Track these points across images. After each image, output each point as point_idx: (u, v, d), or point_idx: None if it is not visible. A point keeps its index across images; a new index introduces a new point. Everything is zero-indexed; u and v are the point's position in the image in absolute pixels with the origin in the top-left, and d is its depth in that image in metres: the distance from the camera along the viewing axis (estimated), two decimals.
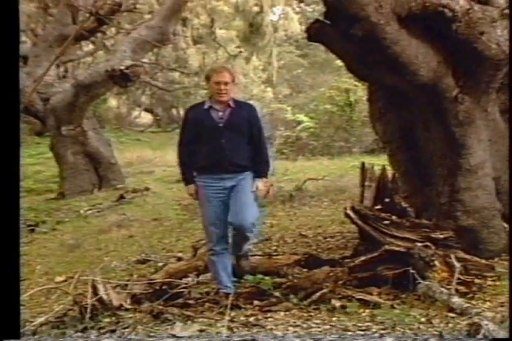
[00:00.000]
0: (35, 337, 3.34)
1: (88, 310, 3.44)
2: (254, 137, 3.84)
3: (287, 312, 3.54)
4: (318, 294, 3.65)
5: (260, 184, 3.84)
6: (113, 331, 3.32)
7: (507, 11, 4.34)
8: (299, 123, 14.91)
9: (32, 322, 3.55)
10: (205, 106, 3.85)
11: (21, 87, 8.54)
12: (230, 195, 3.80)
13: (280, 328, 3.30)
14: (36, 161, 13.41)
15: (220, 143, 3.76)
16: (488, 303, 3.58)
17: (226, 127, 3.78)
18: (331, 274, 3.82)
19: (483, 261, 4.02)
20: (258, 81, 19.66)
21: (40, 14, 12.42)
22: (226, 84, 3.78)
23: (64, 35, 9.72)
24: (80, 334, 3.32)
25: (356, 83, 12.82)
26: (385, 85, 4.60)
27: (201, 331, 3.24)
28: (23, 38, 12.35)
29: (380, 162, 5.94)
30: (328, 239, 5.42)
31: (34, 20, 12.76)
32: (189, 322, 3.38)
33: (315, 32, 4.27)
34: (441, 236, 4.05)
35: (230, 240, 3.91)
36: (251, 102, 4.26)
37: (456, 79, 4.27)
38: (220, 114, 3.81)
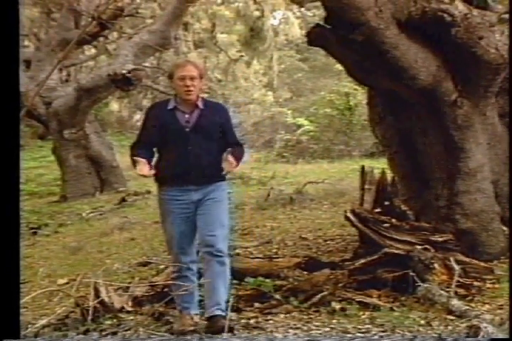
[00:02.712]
0: (37, 339, 3.36)
1: (90, 313, 3.44)
2: (228, 142, 3.31)
3: (287, 315, 3.56)
4: (318, 296, 3.67)
5: (229, 156, 3.17)
6: (114, 333, 3.34)
7: (505, 16, 4.38)
8: (300, 126, 14.95)
9: (34, 324, 3.57)
10: (170, 107, 3.32)
11: (24, 90, 8.59)
12: (196, 210, 3.30)
13: (280, 330, 3.32)
14: (39, 164, 13.46)
15: (187, 150, 3.24)
16: (487, 306, 3.60)
17: (193, 132, 3.26)
18: (331, 277, 3.84)
19: (482, 263, 4.04)
20: (259, 85, 19.69)
21: (43, 19, 12.48)
22: (192, 79, 3.26)
23: (66, 39, 9.79)
24: (81, 336, 3.33)
25: (356, 87, 12.87)
26: (385, 89, 4.63)
27: None
28: (25, 42, 12.43)
29: (379, 165, 5.96)
30: (328, 242, 5.43)
31: (37, 24, 12.82)
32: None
33: (315, 36, 4.31)
34: (441, 239, 4.07)
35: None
36: (223, 104, 3.70)
37: (455, 84, 4.31)
38: (187, 116, 3.28)
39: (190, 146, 3.25)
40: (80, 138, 9.90)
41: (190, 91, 3.27)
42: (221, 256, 3.30)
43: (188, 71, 3.28)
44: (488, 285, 3.87)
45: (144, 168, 3.18)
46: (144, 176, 3.26)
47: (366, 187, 4.56)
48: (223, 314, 3.21)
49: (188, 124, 3.28)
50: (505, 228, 4.49)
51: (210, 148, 3.27)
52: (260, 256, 4.83)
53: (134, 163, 3.26)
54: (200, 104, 3.33)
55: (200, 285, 3.39)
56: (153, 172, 3.25)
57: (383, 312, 3.50)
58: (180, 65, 3.40)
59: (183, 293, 3.29)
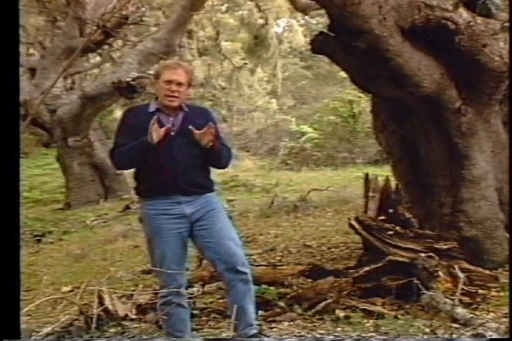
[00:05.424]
0: None
1: (94, 320, 3.44)
2: (213, 147, 2.98)
3: (291, 323, 3.56)
4: (322, 304, 3.66)
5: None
6: None
7: (508, 24, 4.38)
8: (303, 134, 14.99)
9: (38, 332, 3.56)
10: (151, 109, 3.00)
11: (29, 98, 8.65)
12: (192, 226, 2.97)
13: (285, 338, 3.32)
14: (43, 172, 13.53)
15: (172, 155, 2.92)
16: (492, 314, 3.58)
17: (179, 135, 2.94)
18: (335, 284, 3.83)
19: (487, 271, 4.02)
20: (263, 92, 19.75)
21: (48, 27, 12.57)
22: (179, 84, 2.94)
23: (71, 47, 9.86)
24: None
25: (360, 94, 12.90)
26: (388, 97, 4.63)
27: None
28: (30, 50, 12.53)
29: (383, 173, 5.95)
30: (332, 250, 5.42)
31: (42, 33, 12.91)
32: (194, 332, 3.40)
33: (319, 44, 4.32)
34: (445, 247, 4.05)
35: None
36: (207, 108, 3.45)
37: (459, 91, 4.31)
38: (171, 119, 2.97)
39: (177, 151, 2.93)
40: (84, 146, 9.96)
41: (173, 97, 2.95)
42: (245, 273, 3.02)
43: (177, 75, 2.95)
44: (493, 293, 3.85)
45: (157, 129, 2.87)
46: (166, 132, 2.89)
47: (370, 194, 4.55)
48: (257, 331, 3.10)
49: (173, 127, 2.96)
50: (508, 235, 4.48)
51: (197, 154, 2.96)
52: (264, 263, 4.83)
53: (115, 164, 3.06)
54: (184, 106, 3.03)
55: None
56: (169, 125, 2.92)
57: (387, 320, 3.49)
58: (170, 66, 3.05)
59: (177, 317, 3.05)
